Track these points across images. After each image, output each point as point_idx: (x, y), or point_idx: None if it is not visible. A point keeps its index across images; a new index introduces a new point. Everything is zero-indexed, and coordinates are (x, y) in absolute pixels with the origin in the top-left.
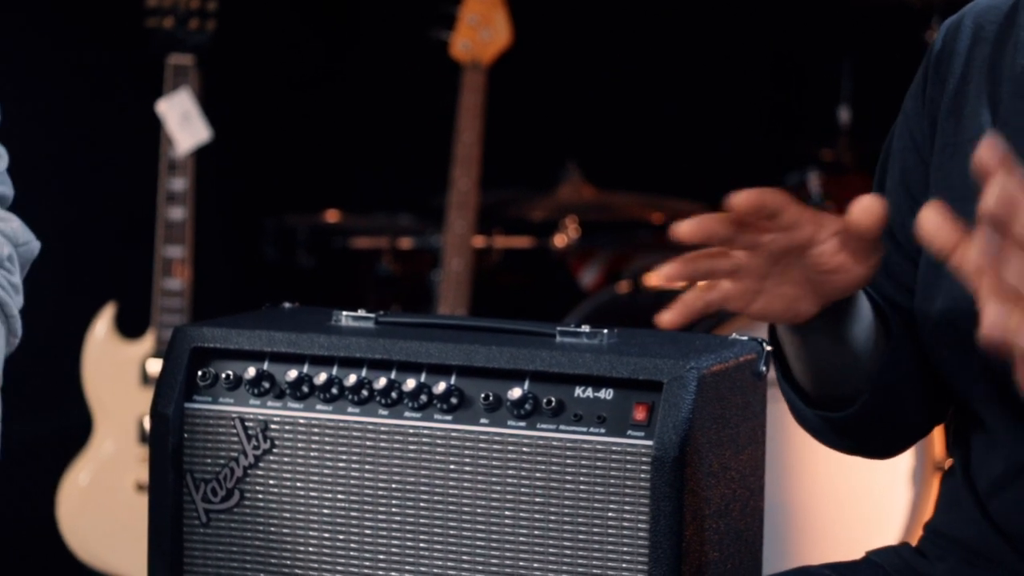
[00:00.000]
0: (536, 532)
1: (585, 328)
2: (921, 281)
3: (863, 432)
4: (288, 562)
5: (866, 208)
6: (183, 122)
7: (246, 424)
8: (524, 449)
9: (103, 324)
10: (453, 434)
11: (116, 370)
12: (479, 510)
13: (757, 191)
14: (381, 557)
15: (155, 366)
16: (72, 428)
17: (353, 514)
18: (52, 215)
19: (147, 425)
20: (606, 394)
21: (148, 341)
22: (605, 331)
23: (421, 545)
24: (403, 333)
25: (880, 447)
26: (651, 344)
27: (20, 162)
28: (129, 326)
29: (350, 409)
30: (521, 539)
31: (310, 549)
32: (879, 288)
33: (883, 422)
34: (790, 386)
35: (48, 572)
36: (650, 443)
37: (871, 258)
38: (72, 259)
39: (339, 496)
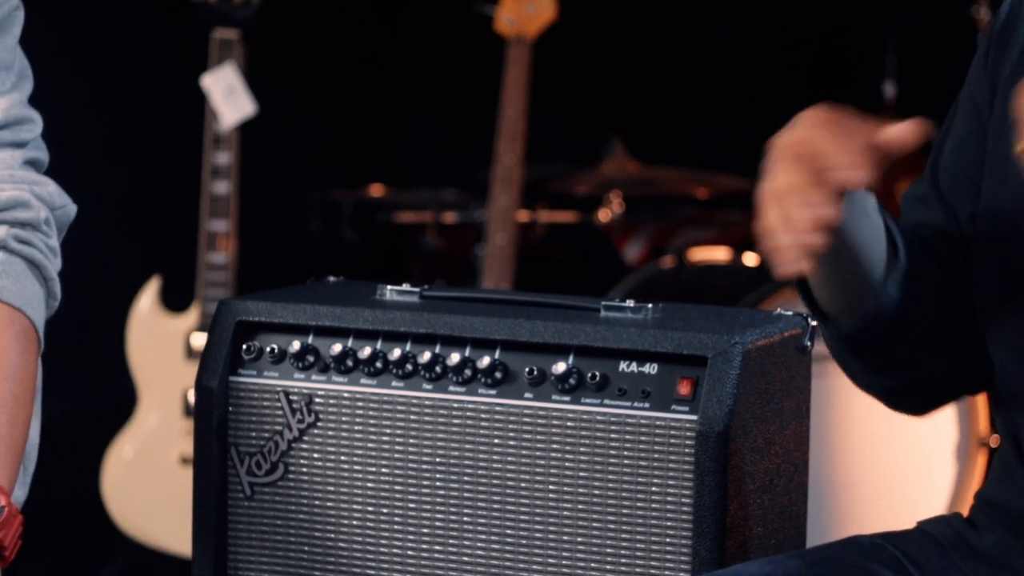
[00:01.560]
0: (580, 507)
1: (629, 303)
2: (976, 252)
3: (883, 357)
4: (332, 535)
5: (910, 131)
6: (228, 96)
7: (290, 398)
8: (568, 424)
9: (148, 298)
10: (497, 408)
11: (161, 344)
12: (523, 484)
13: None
14: (425, 531)
15: (200, 340)
16: (117, 401)
17: (397, 488)
18: (98, 189)
19: (191, 399)
20: (650, 369)
21: (193, 315)
22: (649, 306)
23: (465, 519)
24: (447, 307)
25: (907, 392)
26: (696, 319)
27: (65, 136)
28: (174, 300)
29: (394, 383)
30: (565, 514)
31: (354, 522)
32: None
33: (899, 345)
34: (818, 317)
35: (93, 545)
36: (695, 418)
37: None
38: (117, 233)
39: (383, 470)
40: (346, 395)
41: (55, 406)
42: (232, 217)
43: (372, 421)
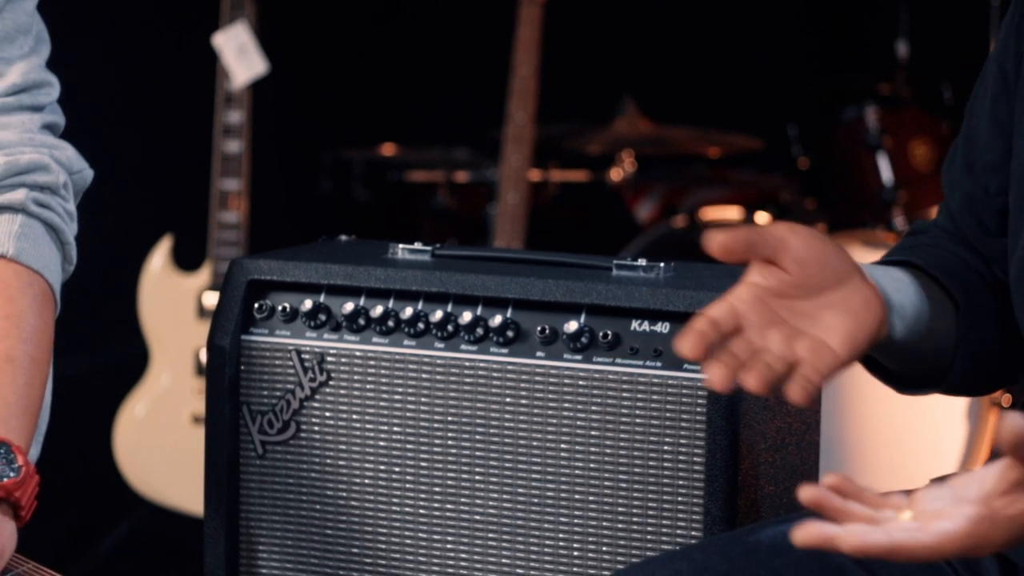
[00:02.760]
0: (592, 466)
1: (641, 262)
2: (1010, 220)
3: (961, 390)
4: (344, 494)
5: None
6: (240, 55)
7: (302, 356)
8: (580, 382)
9: (160, 257)
10: (509, 367)
11: (173, 303)
12: (535, 443)
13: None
14: (436, 489)
15: (211, 299)
16: (129, 361)
17: (409, 446)
18: (109, 148)
19: (203, 357)
20: (662, 328)
21: (204, 274)
22: (661, 265)
23: (477, 477)
24: (459, 266)
25: (972, 392)
26: (707, 278)
27: (77, 95)
28: (186, 259)
29: (406, 342)
30: (577, 472)
31: (366, 481)
32: (959, 221)
33: (977, 377)
34: (882, 377)
35: (105, 503)
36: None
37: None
38: (129, 192)
39: (395, 428)
40: (358, 354)
41: (67, 366)
42: (244, 176)
43: (384, 380)
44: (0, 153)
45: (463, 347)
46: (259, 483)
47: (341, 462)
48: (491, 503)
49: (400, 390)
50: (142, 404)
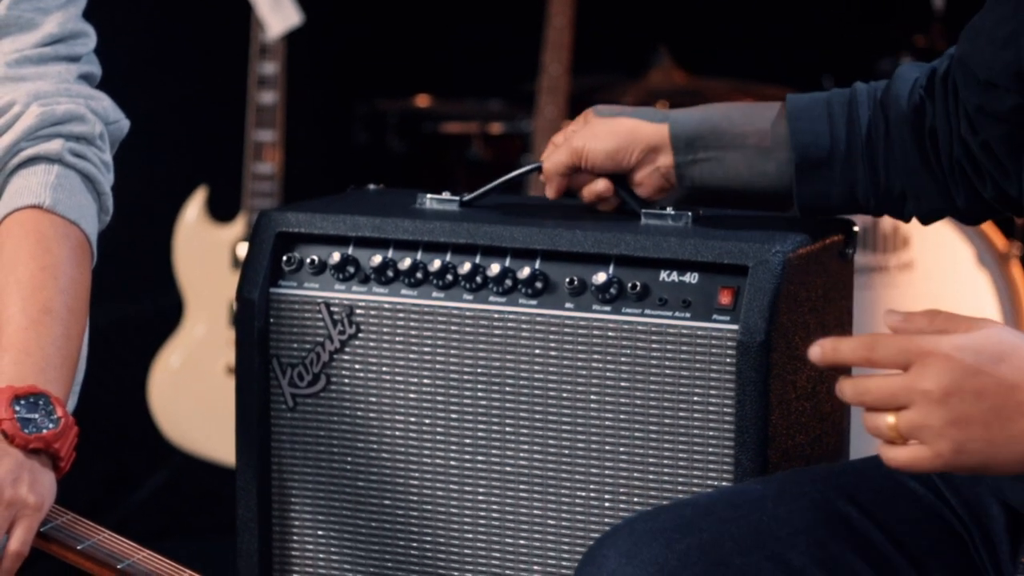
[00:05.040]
0: (621, 417)
1: (669, 210)
2: None
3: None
4: (375, 445)
5: None
6: (274, 6)
7: (331, 309)
8: (609, 334)
9: (195, 208)
10: (538, 319)
11: (207, 254)
12: (564, 395)
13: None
14: (467, 441)
15: (246, 250)
16: (164, 311)
17: (439, 398)
18: (145, 100)
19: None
20: (691, 278)
21: (239, 225)
22: (689, 213)
23: (507, 429)
24: (487, 217)
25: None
26: (737, 227)
27: (112, 47)
28: (220, 210)
29: (435, 294)
30: (607, 424)
31: (396, 433)
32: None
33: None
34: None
35: (139, 453)
36: (736, 328)
37: None
38: (164, 143)
39: (424, 381)
40: (386, 306)
41: (103, 316)
42: (278, 127)
43: (413, 332)
44: (36, 103)
45: (492, 299)
46: (290, 436)
47: (372, 414)
48: (522, 454)
49: (429, 342)
50: (177, 355)
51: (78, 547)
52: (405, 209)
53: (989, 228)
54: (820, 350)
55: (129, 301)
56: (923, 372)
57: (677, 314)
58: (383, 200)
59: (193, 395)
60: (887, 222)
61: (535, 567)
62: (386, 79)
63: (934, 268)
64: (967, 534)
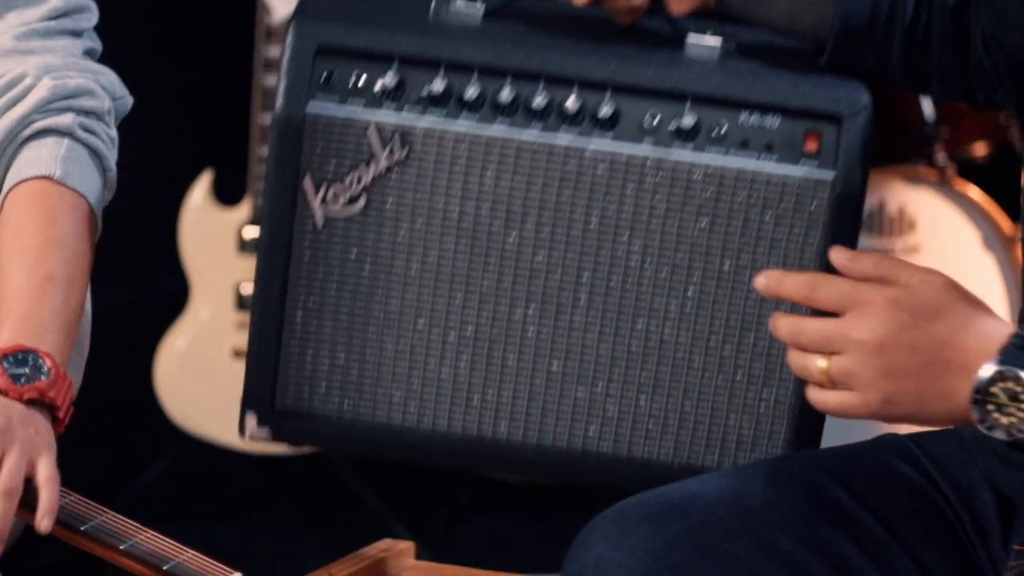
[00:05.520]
0: (694, 262)
1: (709, 35)
2: None
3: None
4: (414, 268)
5: None
6: None
7: (381, 131)
8: (693, 176)
9: (200, 191)
10: (614, 158)
11: (213, 237)
12: (635, 239)
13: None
14: (520, 274)
15: (252, 232)
16: (170, 294)
17: (493, 234)
18: (150, 83)
19: (244, 292)
20: (772, 121)
21: (245, 208)
22: (733, 43)
23: (567, 262)
24: (545, 42)
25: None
26: (803, 69)
27: (117, 29)
28: (226, 193)
29: (499, 122)
30: (681, 267)
31: (441, 259)
32: None
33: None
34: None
35: (145, 436)
36: (831, 175)
37: None
38: (170, 127)
39: (478, 214)
40: (442, 131)
41: (108, 299)
42: None
43: (469, 161)
44: (48, 76)
45: (562, 131)
46: (314, 258)
47: (415, 239)
48: (580, 299)
49: (489, 174)
50: (183, 338)
51: (120, 547)
52: (462, 23)
53: (995, 211)
54: (765, 280)
55: (135, 284)
56: (860, 320)
57: (762, 156)
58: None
59: (199, 378)
60: (893, 207)
61: (579, 397)
62: None
63: (940, 251)
64: (958, 520)
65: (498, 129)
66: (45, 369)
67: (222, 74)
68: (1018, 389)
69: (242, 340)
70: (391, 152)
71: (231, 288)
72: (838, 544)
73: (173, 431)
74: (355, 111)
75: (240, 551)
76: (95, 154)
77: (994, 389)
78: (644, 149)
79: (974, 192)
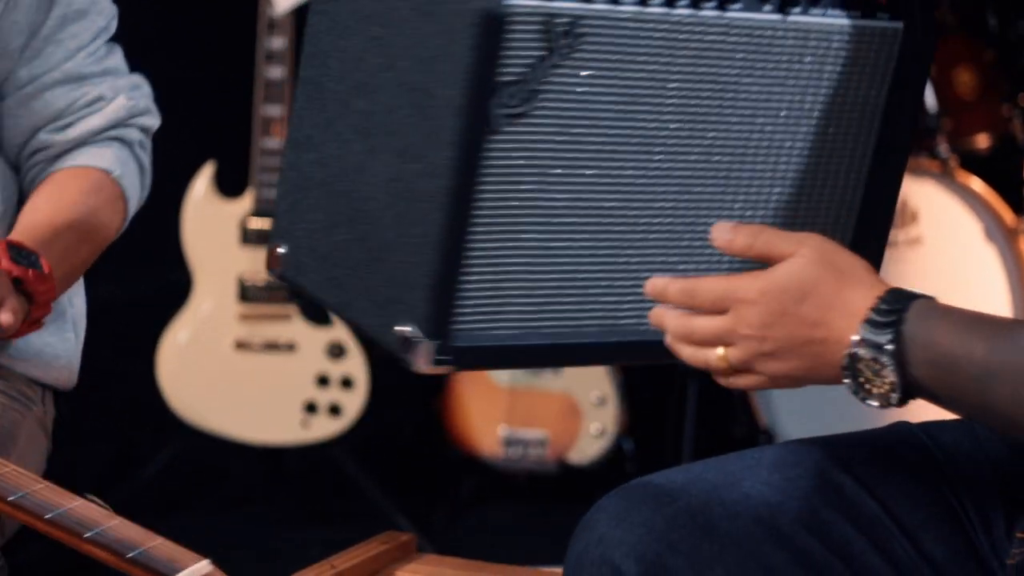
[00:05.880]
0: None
1: None
2: None
3: None
4: (587, 167)
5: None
6: None
7: (553, 21)
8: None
9: (202, 183)
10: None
11: (216, 229)
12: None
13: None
14: (689, 164)
15: (255, 224)
16: (173, 286)
17: (670, 123)
18: (152, 75)
19: (246, 283)
20: None
21: (247, 200)
22: None
23: (754, 142)
24: None
25: None
26: None
27: (119, 21)
28: (229, 185)
29: (666, 5)
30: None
31: (614, 156)
32: None
33: None
34: None
35: (147, 429)
36: (899, 25)
37: None
38: (172, 118)
39: (653, 101)
40: (616, 16)
41: (111, 291)
42: (286, 102)
43: (643, 47)
44: (123, 95)
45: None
46: (500, 154)
47: (592, 135)
48: (743, 183)
49: (659, 58)
50: (185, 330)
51: (46, 516)
52: None
53: (997, 203)
54: (650, 287)
55: (137, 276)
56: (739, 316)
57: (831, 11)
58: None
59: (201, 371)
60: None
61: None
62: None
63: (942, 243)
64: (962, 509)
65: (665, 11)
66: (39, 265)
67: (224, 66)
68: (878, 364)
69: (244, 332)
70: (561, 44)
71: (233, 280)
72: (839, 528)
73: (175, 423)
74: (532, 3)
75: (242, 543)
76: (142, 170)
77: (859, 365)
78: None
79: (976, 184)
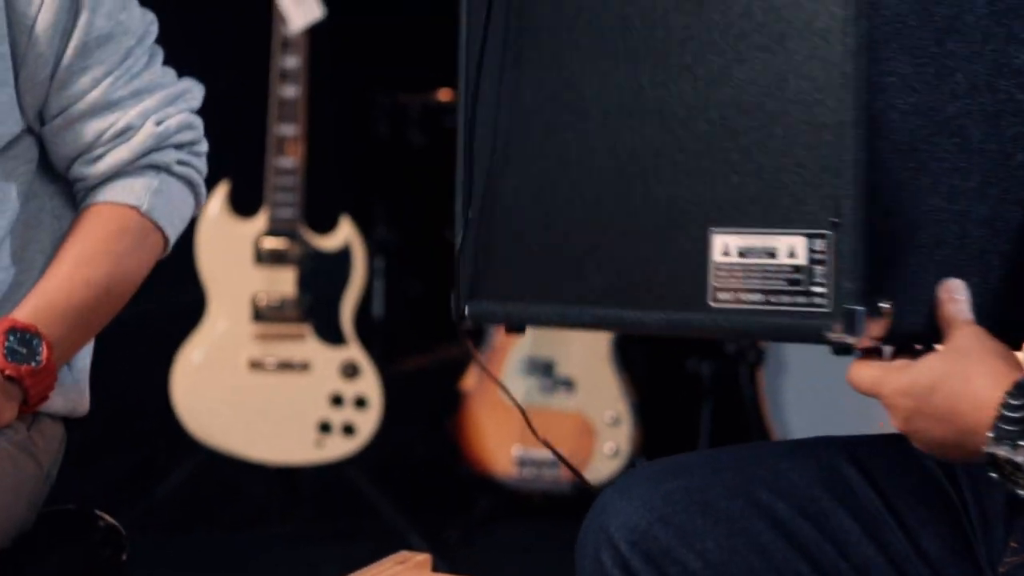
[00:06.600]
0: None
1: None
2: None
3: None
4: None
5: None
6: (296, 0)
7: None
8: None
9: (216, 202)
10: None
11: (230, 248)
12: None
13: None
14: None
15: (269, 243)
16: (187, 305)
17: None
18: None
19: (260, 303)
20: None
21: (261, 219)
22: None
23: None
24: None
25: None
26: None
27: None
28: (242, 204)
29: None
30: None
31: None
32: None
33: None
34: None
35: (162, 448)
36: None
37: None
38: None
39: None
40: None
41: (125, 310)
42: (300, 121)
43: None
44: (150, 121)
45: None
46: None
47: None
48: None
49: None
50: (199, 349)
51: None
52: None
53: None
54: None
55: (152, 295)
56: (888, 406)
57: None
58: None
59: (216, 390)
60: None
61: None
62: (407, 73)
63: None
64: (965, 512)
65: None
66: (39, 358)
67: (238, 85)
68: (1015, 467)
69: (258, 351)
70: None
71: (247, 299)
72: (838, 517)
73: (189, 443)
74: None
75: (256, 562)
76: (189, 183)
77: (999, 462)
78: None
79: None
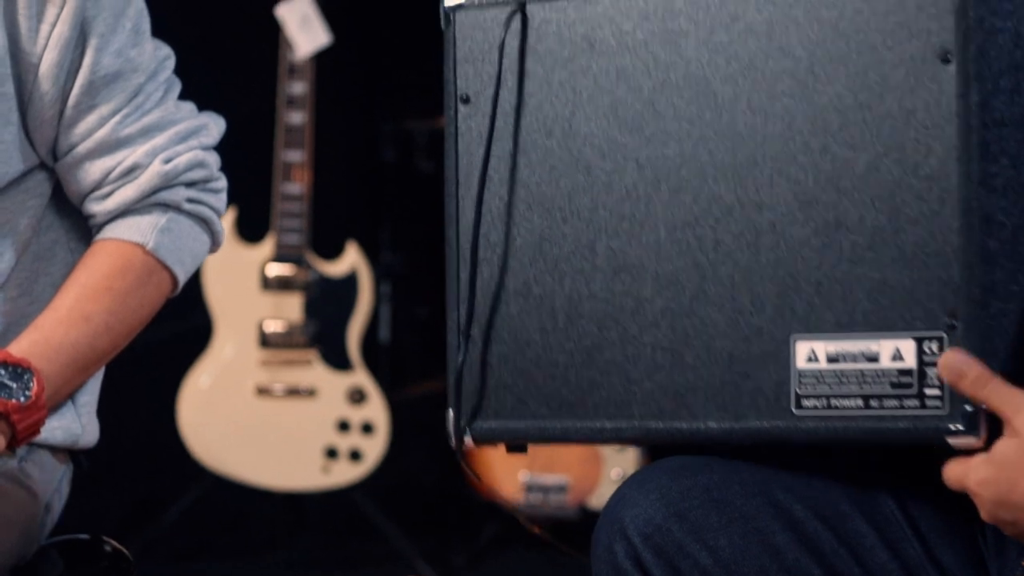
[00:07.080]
0: None
1: None
2: None
3: None
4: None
5: None
6: (303, 26)
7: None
8: None
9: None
10: None
11: (236, 274)
12: None
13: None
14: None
15: (275, 270)
16: (194, 331)
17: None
18: None
19: (266, 329)
20: None
21: (268, 245)
22: None
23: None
24: None
25: None
26: None
27: None
28: (249, 230)
29: None
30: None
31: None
32: None
33: None
34: None
35: (169, 474)
36: None
37: None
38: None
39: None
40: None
41: (133, 338)
42: (307, 147)
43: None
44: (157, 160)
45: None
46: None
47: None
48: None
49: None
50: (206, 375)
51: None
52: None
53: None
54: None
55: (158, 322)
56: (976, 501)
57: None
58: None
59: (222, 416)
60: None
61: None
62: (414, 98)
63: None
64: (980, 525)
65: None
66: (28, 393)
67: (244, 111)
68: None
69: (265, 377)
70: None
71: (254, 325)
72: (853, 521)
73: (197, 469)
74: None
75: None
76: (202, 220)
77: None
78: None
79: None
